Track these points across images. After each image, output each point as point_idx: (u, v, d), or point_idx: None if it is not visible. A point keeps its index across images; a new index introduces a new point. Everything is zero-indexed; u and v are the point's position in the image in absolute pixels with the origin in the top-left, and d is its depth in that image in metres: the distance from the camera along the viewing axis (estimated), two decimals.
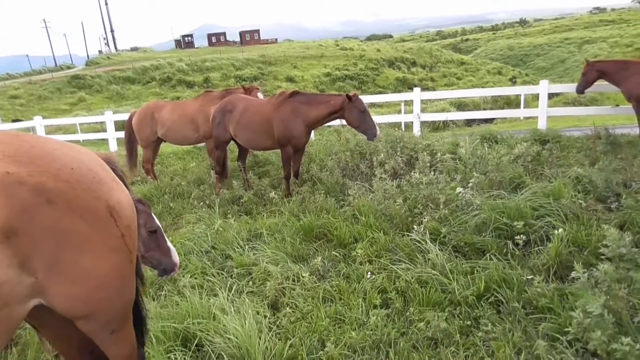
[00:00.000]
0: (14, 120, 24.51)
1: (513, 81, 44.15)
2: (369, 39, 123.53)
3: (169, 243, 3.09)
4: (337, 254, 4.32)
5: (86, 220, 1.77)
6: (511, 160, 6.02)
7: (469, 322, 3.13)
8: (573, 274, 2.96)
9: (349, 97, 6.14)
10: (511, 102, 21.61)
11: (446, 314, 3.20)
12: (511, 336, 2.88)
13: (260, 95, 8.13)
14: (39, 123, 13.49)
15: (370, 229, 4.60)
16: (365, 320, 3.30)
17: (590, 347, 2.51)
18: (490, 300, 3.33)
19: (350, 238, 4.57)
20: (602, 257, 2.98)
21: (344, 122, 6.50)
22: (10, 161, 1.66)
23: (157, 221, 3.05)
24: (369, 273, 3.87)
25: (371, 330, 3.12)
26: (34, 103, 39.18)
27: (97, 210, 1.81)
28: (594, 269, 2.95)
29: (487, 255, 3.85)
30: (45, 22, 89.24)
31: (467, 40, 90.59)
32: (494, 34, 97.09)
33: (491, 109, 18.72)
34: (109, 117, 12.61)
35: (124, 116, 11.76)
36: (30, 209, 1.64)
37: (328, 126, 9.94)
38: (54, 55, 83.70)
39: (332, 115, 6.36)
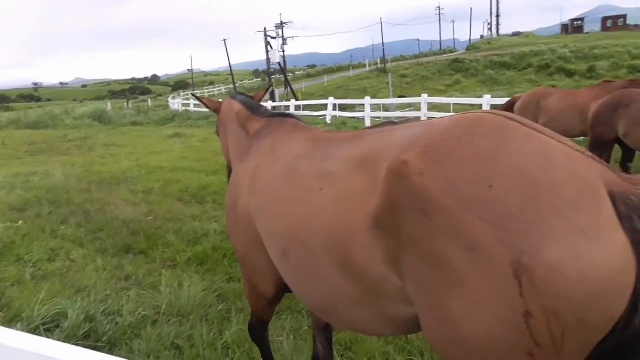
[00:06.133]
0: (399, 96, 28.33)
1: None
2: None
3: None
4: None
5: (468, 258, 1.24)
6: None
7: None
8: None
9: None
10: None
11: None
12: None
13: None
14: (423, 100, 15.05)
15: None
16: None
17: None
18: None
19: None
20: None
21: None
22: (420, 151, 1.40)
23: None
24: None
25: None
26: (417, 82, 44.26)
27: (494, 259, 1.20)
28: None
29: None
30: (439, 9, 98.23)
31: None
32: None
33: None
34: (486, 101, 12.78)
35: (500, 100, 11.68)
36: (400, 209, 1.40)
37: None
38: (440, 40, 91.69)
39: None
